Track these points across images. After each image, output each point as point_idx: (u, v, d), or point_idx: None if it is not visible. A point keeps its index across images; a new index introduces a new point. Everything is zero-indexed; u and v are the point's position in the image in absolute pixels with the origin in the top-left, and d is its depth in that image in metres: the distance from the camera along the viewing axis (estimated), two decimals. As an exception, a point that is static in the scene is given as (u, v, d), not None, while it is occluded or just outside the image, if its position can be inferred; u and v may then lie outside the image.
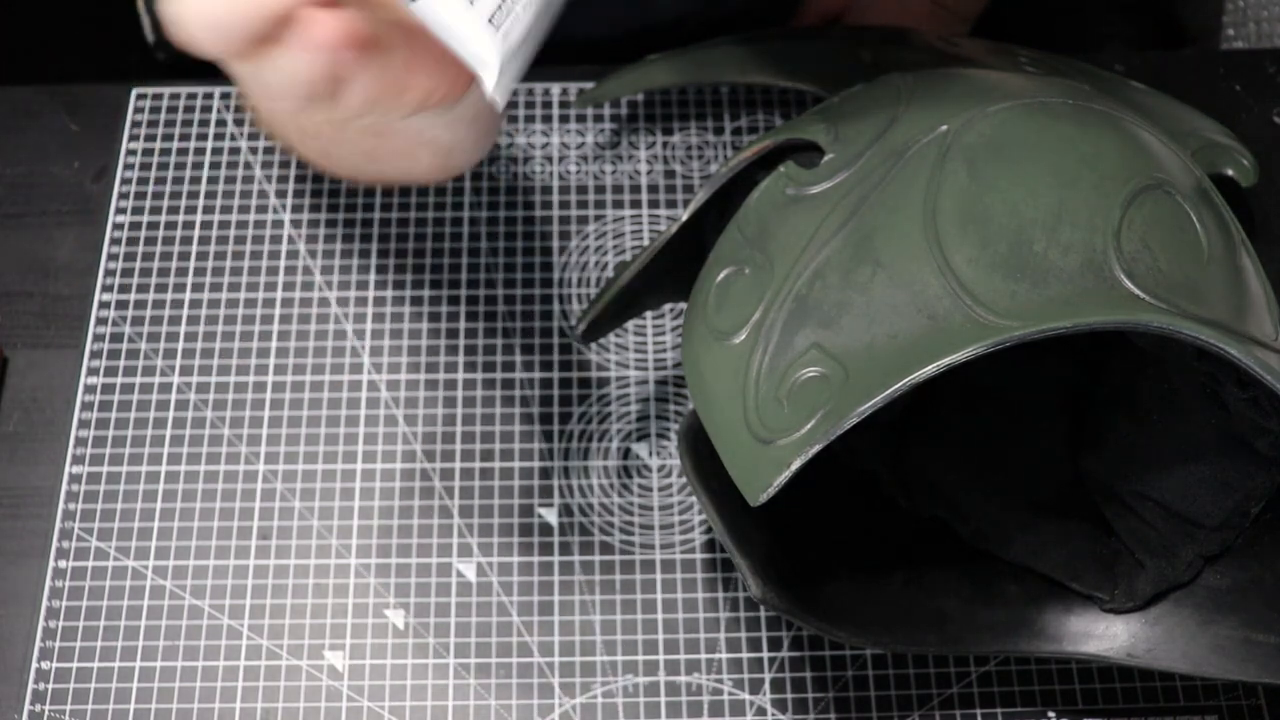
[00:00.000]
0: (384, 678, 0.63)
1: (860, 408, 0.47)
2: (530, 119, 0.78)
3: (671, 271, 0.61)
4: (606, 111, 0.79)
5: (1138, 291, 0.49)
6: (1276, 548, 0.56)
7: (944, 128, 0.53)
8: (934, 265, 0.50)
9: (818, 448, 0.47)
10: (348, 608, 0.64)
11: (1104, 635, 0.59)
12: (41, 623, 0.63)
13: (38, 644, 0.63)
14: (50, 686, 0.62)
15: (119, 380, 0.69)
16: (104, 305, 0.71)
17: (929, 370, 0.47)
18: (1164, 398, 0.58)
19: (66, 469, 0.67)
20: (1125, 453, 0.60)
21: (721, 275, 0.55)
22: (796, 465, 0.48)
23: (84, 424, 0.68)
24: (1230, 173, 0.69)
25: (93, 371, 0.70)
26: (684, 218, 0.59)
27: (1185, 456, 0.57)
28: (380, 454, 0.68)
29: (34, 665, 0.62)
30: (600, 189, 0.76)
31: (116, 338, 0.71)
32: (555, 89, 0.79)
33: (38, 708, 0.61)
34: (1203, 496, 0.57)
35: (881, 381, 0.47)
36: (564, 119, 0.78)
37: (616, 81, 0.76)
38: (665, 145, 0.78)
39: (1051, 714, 0.62)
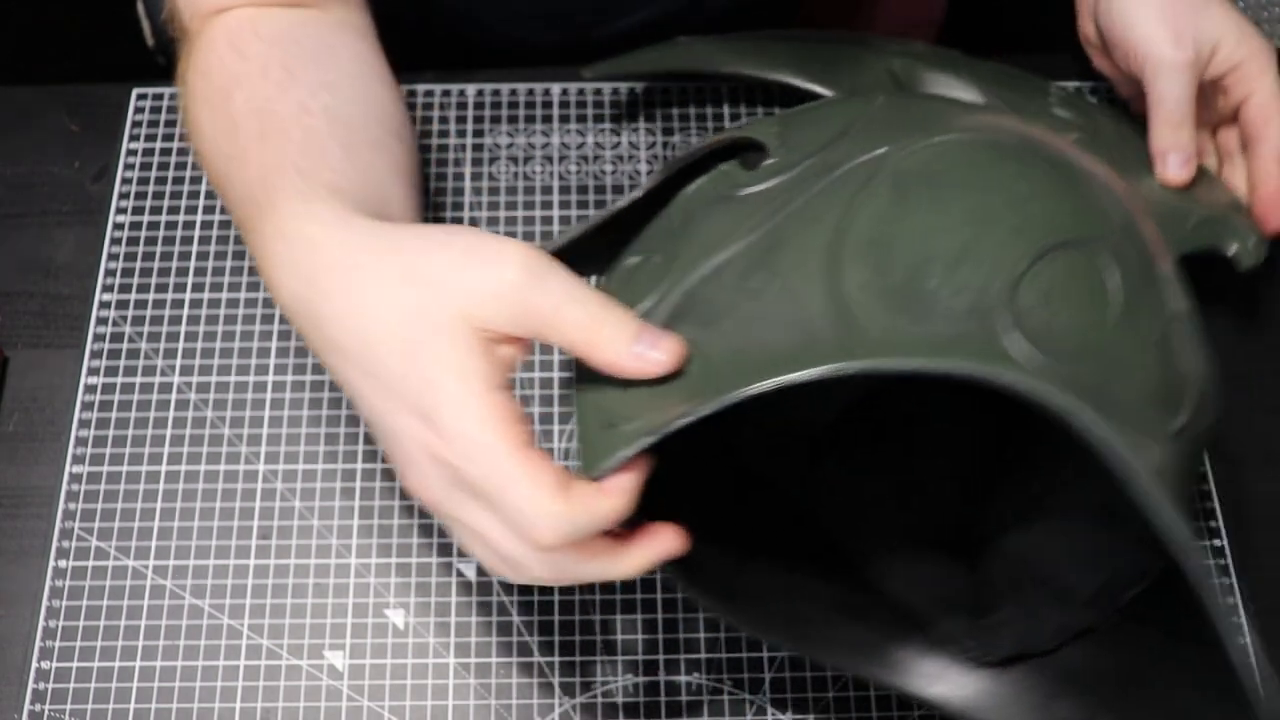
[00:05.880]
0: (384, 678, 0.62)
1: (698, 412, 0.46)
2: (530, 119, 0.78)
3: (612, 245, 0.59)
4: (607, 112, 0.79)
5: (1018, 344, 0.47)
6: (1137, 640, 0.55)
7: (884, 150, 0.52)
8: (826, 284, 0.49)
9: (646, 442, 0.47)
10: (348, 608, 0.64)
11: (953, 681, 0.58)
12: (41, 623, 0.63)
13: (38, 644, 0.63)
14: (50, 686, 0.62)
15: (119, 380, 0.69)
16: (104, 305, 0.71)
17: (760, 387, 0.45)
18: (1053, 461, 0.56)
19: (66, 469, 0.67)
20: (1011, 510, 0.59)
21: (632, 260, 0.55)
22: (621, 455, 0.47)
23: (84, 424, 0.68)
24: (1232, 252, 0.67)
25: (93, 371, 0.70)
26: (636, 194, 0.58)
27: (1063, 524, 0.57)
28: (380, 454, 0.68)
29: (34, 665, 0.62)
30: (600, 189, 0.76)
31: (116, 338, 0.71)
32: (555, 89, 0.79)
33: (38, 708, 0.61)
34: (1074, 567, 0.56)
35: (730, 387, 0.46)
36: (564, 119, 0.79)
37: (642, 57, 0.75)
38: (665, 145, 0.78)
39: (1051, 714, 0.62)
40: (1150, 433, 0.48)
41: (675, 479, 0.54)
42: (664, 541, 0.51)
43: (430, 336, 0.48)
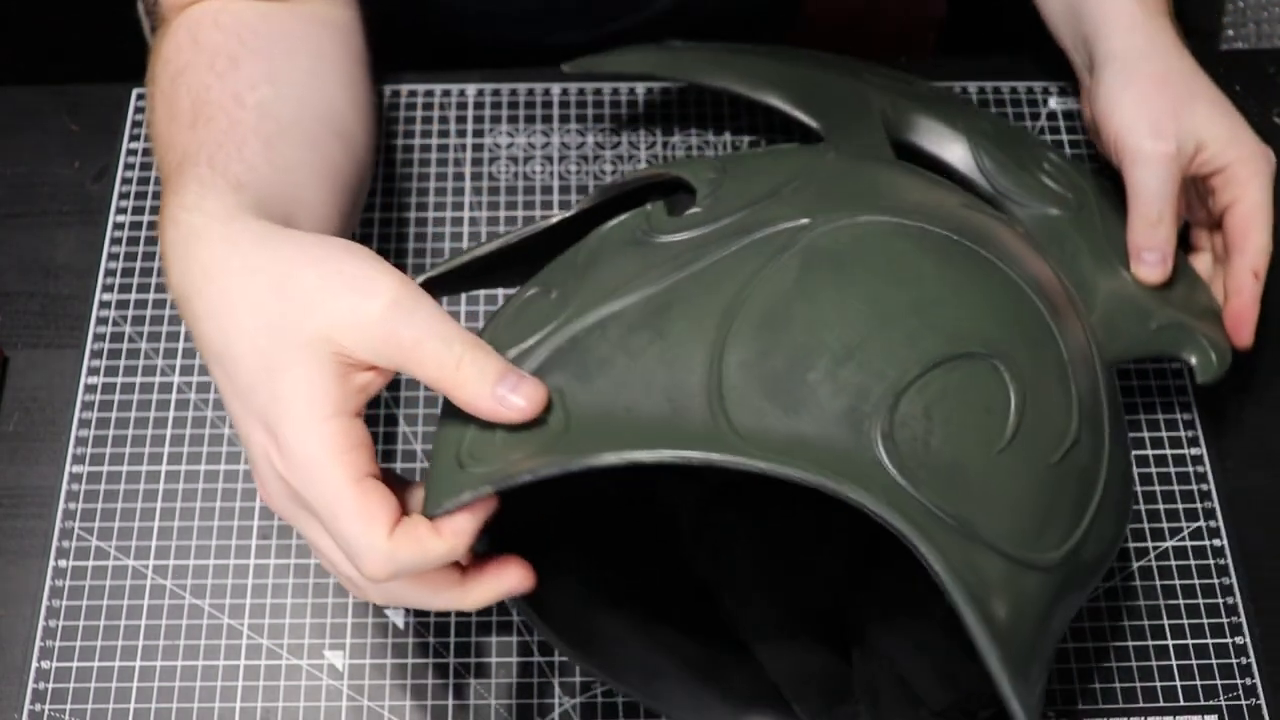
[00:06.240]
0: (384, 678, 0.62)
1: (539, 473, 0.45)
2: (530, 119, 0.78)
3: (531, 260, 0.58)
4: (606, 112, 0.79)
5: (884, 457, 0.45)
6: None
7: (805, 220, 0.50)
8: (707, 356, 0.47)
9: (484, 492, 0.46)
10: (348, 608, 0.64)
11: None
12: (41, 623, 0.63)
13: (38, 644, 0.63)
14: (50, 686, 0.62)
15: (119, 380, 0.69)
16: (104, 305, 0.71)
17: (605, 460, 0.44)
18: (919, 571, 0.54)
19: (66, 469, 0.67)
20: (886, 605, 0.58)
21: (531, 292, 0.53)
22: (459, 500, 0.46)
23: (84, 424, 0.68)
24: (1192, 361, 0.63)
25: (93, 371, 0.70)
26: (567, 214, 0.57)
27: (925, 634, 0.55)
28: (380, 454, 0.68)
29: (34, 665, 0.62)
30: (591, 193, 0.76)
31: (116, 338, 0.71)
32: (555, 89, 0.79)
33: (38, 707, 0.61)
34: (930, 677, 0.55)
35: (584, 451, 0.45)
36: (564, 119, 0.79)
37: (627, 57, 0.74)
38: (665, 145, 0.78)
39: (1051, 714, 0.62)
40: (1021, 562, 0.46)
41: (559, 498, 0.54)
42: (510, 578, 0.50)
43: (287, 353, 0.48)
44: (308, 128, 0.60)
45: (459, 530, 0.47)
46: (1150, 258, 0.65)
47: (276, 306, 0.49)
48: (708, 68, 0.73)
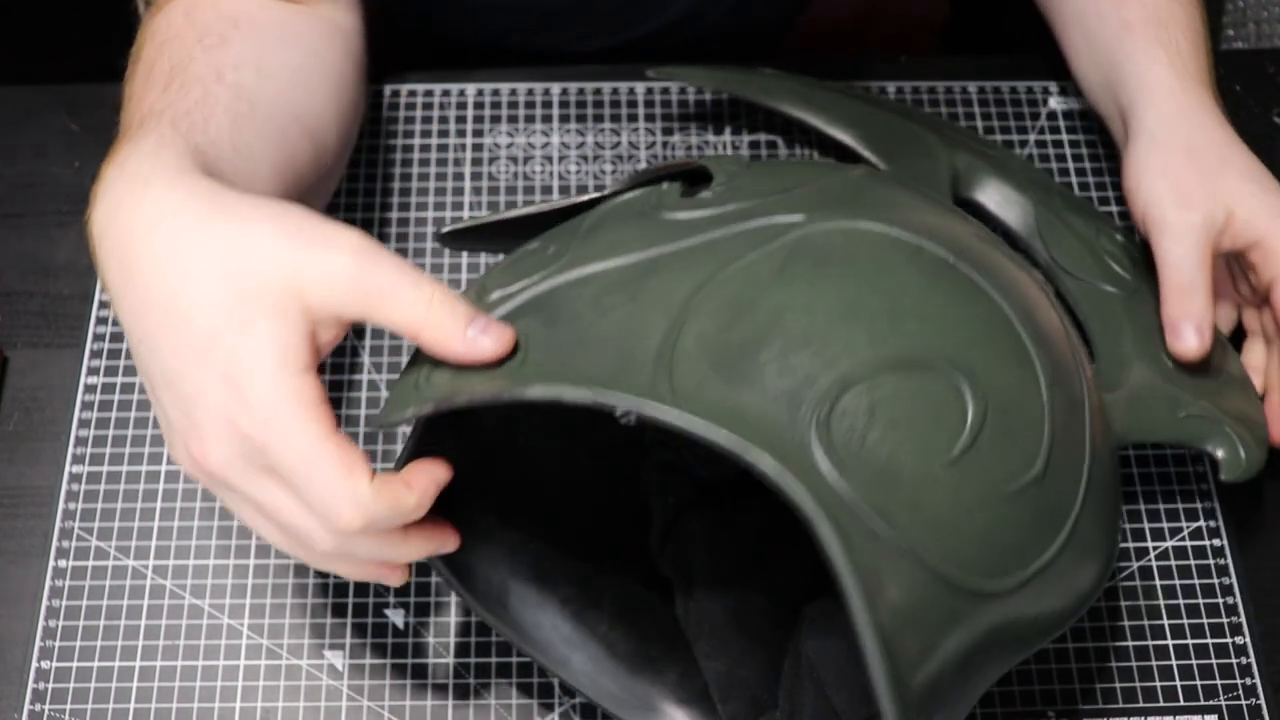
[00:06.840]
0: (384, 678, 0.62)
1: (475, 400, 0.47)
2: (530, 119, 0.78)
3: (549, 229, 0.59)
4: (606, 112, 0.79)
5: (815, 444, 0.45)
6: None
7: (800, 217, 0.50)
8: (669, 323, 0.47)
9: (429, 409, 0.48)
10: (348, 608, 0.64)
11: None
12: (41, 623, 0.63)
13: (38, 644, 0.63)
14: (50, 686, 0.62)
15: (119, 380, 0.69)
16: (104, 305, 0.71)
17: (531, 393, 0.45)
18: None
19: (66, 469, 0.67)
20: (823, 612, 0.57)
21: (532, 245, 0.54)
22: (408, 414, 0.48)
23: (84, 424, 0.68)
24: (1219, 455, 0.61)
25: (93, 371, 0.70)
26: (597, 194, 0.57)
27: (846, 641, 0.55)
28: (380, 453, 0.68)
29: (34, 665, 0.62)
30: (600, 189, 0.76)
31: (116, 337, 0.71)
32: (555, 89, 0.79)
33: (38, 707, 0.61)
34: (845, 688, 0.54)
35: (525, 387, 0.46)
36: (564, 119, 0.79)
37: (715, 74, 0.76)
38: (665, 145, 0.78)
39: (1051, 714, 0.62)
40: (945, 579, 0.45)
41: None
42: (441, 538, 0.52)
43: (254, 305, 0.47)
44: (280, 121, 0.60)
45: (426, 487, 0.49)
46: (1185, 328, 0.62)
47: (236, 258, 0.48)
48: (789, 98, 0.76)
